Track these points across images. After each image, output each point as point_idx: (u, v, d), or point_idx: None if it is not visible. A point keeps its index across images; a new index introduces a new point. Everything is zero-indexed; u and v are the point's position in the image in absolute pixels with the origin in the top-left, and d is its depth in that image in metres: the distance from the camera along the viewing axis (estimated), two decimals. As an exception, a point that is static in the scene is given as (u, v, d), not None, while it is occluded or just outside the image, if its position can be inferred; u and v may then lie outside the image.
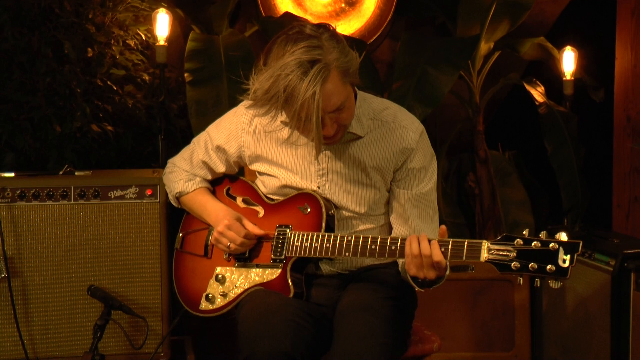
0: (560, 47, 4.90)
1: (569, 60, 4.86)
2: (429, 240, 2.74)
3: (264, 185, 3.15)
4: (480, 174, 4.92)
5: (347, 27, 5.18)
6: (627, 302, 3.99)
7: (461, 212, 5.05)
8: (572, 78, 4.85)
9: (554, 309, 4.54)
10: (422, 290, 2.92)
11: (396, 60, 4.47)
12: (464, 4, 4.74)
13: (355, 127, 2.98)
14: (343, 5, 5.20)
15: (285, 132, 3.01)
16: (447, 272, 2.93)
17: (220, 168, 3.20)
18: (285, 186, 3.07)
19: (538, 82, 4.92)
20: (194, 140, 3.27)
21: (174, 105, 4.47)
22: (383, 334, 2.80)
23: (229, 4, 4.76)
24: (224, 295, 3.06)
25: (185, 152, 3.28)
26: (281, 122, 2.98)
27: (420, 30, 5.39)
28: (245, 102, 3.02)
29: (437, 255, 2.72)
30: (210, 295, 3.08)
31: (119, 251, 3.58)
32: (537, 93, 4.76)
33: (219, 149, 3.16)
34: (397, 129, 3.01)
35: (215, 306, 3.08)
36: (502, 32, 4.82)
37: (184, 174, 3.24)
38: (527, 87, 4.78)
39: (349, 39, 4.71)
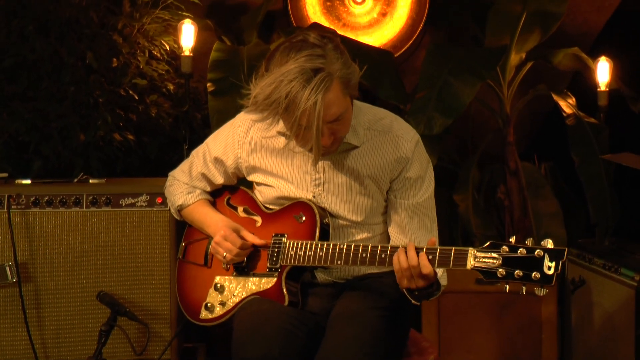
0: (596, 57, 4.83)
1: (603, 71, 4.78)
2: (417, 251, 2.73)
3: (261, 195, 3.16)
4: (510, 185, 4.86)
5: (380, 37, 5.21)
6: (651, 316, 3.91)
7: (492, 224, 4.99)
8: (607, 89, 4.76)
9: (582, 323, 4.47)
10: (418, 304, 2.90)
11: (421, 71, 4.45)
12: (493, 14, 4.69)
13: (350, 137, 2.97)
14: (376, 15, 5.21)
15: (280, 142, 3.02)
16: (444, 283, 2.92)
17: (219, 179, 3.21)
18: (281, 197, 3.08)
19: (569, 94, 4.85)
20: (193, 152, 3.29)
21: (198, 114, 4.52)
22: (368, 344, 2.78)
23: (258, 15, 4.81)
24: (223, 304, 3.08)
25: (184, 164, 3.31)
26: (277, 132, 2.99)
27: (457, 41, 5.37)
28: (241, 115, 3.07)
29: (426, 267, 2.71)
30: (209, 304, 3.10)
31: (129, 258, 3.64)
32: (566, 104, 4.69)
33: (217, 161, 3.18)
34: (393, 138, 3.00)
35: (214, 315, 3.09)
36: (533, 42, 4.76)
37: (184, 187, 3.27)
38: (556, 98, 4.71)
39: (376, 50, 4.80)
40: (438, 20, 5.22)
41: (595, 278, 4.34)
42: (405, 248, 2.75)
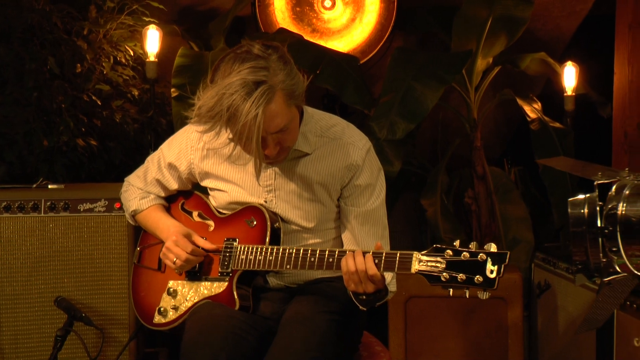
0: (564, 62, 4.85)
1: (570, 76, 4.80)
2: (364, 255, 2.74)
3: (214, 200, 3.17)
4: (478, 190, 4.87)
5: (350, 42, 5.22)
6: (611, 322, 3.90)
7: (461, 229, 5.00)
8: (574, 94, 4.78)
9: (547, 327, 4.47)
10: (365, 309, 2.90)
11: (385, 75, 4.46)
12: (459, 19, 4.71)
13: (301, 144, 2.98)
14: (345, 21, 5.22)
15: (230, 149, 3.03)
16: (393, 289, 2.93)
17: (173, 185, 3.22)
18: (233, 202, 3.09)
19: (534, 98, 4.87)
20: (148, 158, 3.29)
21: (163, 120, 4.53)
22: (316, 347, 2.78)
23: (226, 21, 4.82)
24: (176, 308, 3.08)
25: (139, 170, 3.31)
26: (229, 139, 3.00)
27: (427, 47, 5.39)
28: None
29: (371, 269, 2.72)
30: (162, 309, 3.11)
31: (88, 263, 3.65)
32: (531, 109, 4.70)
33: (171, 166, 3.18)
34: (344, 145, 3.00)
35: (167, 320, 3.10)
36: (500, 47, 4.77)
37: (138, 192, 3.27)
38: (520, 102, 4.73)
39: (341, 55, 4.81)
40: (406, 25, 5.23)
41: (559, 282, 4.35)
42: (354, 252, 2.76)
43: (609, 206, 2.15)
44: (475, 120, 4.85)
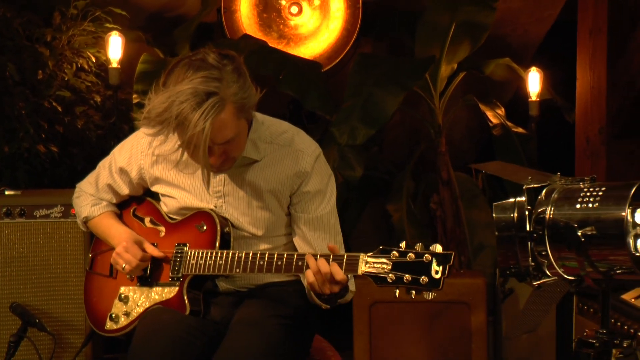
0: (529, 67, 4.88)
1: (534, 81, 4.82)
2: (315, 257, 2.74)
3: (165, 206, 3.17)
4: (443, 195, 4.88)
5: (316, 48, 5.22)
6: (570, 326, 3.92)
7: (428, 234, 5.00)
8: (538, 99, 4.80)
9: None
10: (327, 307, 2.90)
11: (347, 81, 4.46)
12: (422, 25, 4.72)
13: (250, 151, 2.98)
14: (312, 27, 5.23)
15: (178, 156, 3.02)
16: (353, 289, 2.94)
17: (125, 190, 3.21)
18: (183, 208, 3.09)
19: (498, 104, 4.88)
20: (100, 164, 3.28)
21: (126, 126, 4.53)
22: (264, 351, 2.79)
23: (190, 27, 4.83)
24: (127, 314, 3.08)
25: (91, 176, 3.30)
26: (179, 145, 3.00)
27: (395, 53, 5.40)
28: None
29: (338, 274, 2.71)
30: (114, 315, 3.10)
31: (44, 269, 3.67)
32: (493, 114, 4.72)
33: (122, 171, 3.18)
34: (293, 152, 3.00)
35: (119, 325, 3.09)
36: (464, 53, 4.78)
37: (90, 199, 3.26)
38: (483, 107, 4.74)
39: (304, 61, 4.82)
40: (374, 31, 5.24)
41: (522, 286, 4.36)
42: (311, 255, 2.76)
43: (538, 210, 2.16)
44: (440, 125, 4.86)
